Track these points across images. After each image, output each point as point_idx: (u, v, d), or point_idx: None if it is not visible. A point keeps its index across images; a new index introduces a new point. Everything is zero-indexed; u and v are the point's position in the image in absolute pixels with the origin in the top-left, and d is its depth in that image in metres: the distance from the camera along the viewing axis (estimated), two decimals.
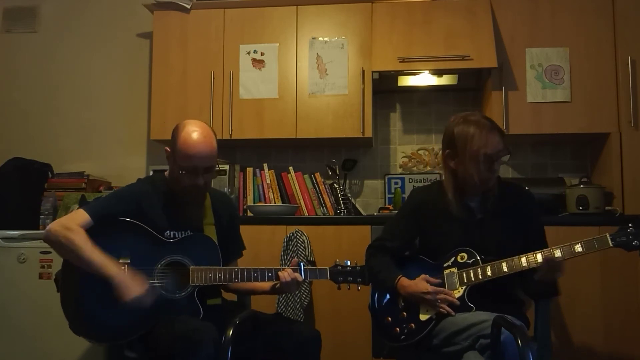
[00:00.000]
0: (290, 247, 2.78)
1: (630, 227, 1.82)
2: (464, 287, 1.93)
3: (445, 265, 2.01)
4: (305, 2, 3.18)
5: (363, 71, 3.10)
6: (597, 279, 2.64)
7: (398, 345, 1.99)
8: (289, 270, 1.95)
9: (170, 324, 1.77)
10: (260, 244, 2.84)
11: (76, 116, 3.69)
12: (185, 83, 3.22)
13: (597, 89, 2.93)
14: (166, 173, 2.04)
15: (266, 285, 2.04)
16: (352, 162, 3.38)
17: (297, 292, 2.70)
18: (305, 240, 2.79)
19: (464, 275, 1.95)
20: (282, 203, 3.26)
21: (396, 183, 3.39)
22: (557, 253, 1.85)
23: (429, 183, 2.44)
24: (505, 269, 1.90)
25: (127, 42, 3.69)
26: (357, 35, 3.14)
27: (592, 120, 2.93)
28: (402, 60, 2.96)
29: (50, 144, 3.65)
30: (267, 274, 1.96)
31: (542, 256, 1.86)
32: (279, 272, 1.95)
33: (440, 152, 3.30)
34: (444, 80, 3.19)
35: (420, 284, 1.96)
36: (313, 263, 2.76)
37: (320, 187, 3.28)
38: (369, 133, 3.08)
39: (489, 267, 1.92)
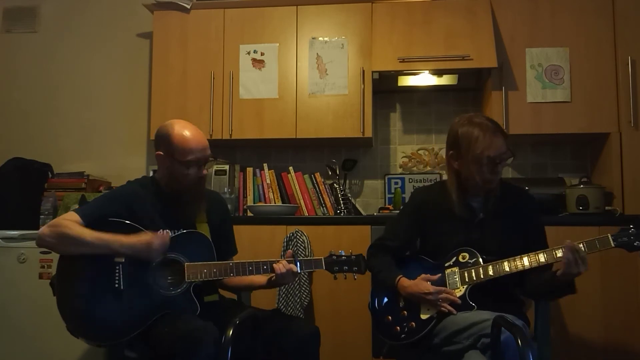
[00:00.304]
0: (290, 247, 2.78)
1: (632, 228, 1.83)
2: (465, 287, 1.94)
3: (446, 265, 2.01)
4: (305, 2, 3.18)
5: (363, 71, 3.10)
6: (597, 279, 2.64)
7: (398, 344, 1.99)
8: (284, 262, 1.97)
9: (171, 323, 1.78)
10: (260, 244, 2.84)
11: (76, 116, 3.69)
12: (185, 83, 3.22)
13: (597, 89, 2.93)
14: (157, 176, 2.05)
15: (263, 279, 2.05)
16: (352, 162, 3.38)
17: (297, 292, 2.72)
18: (305, 240, 2.79)
19: (466, 274, 1.95)
20: (282, 203, 3.26)
21: (396, 183, 3.39)
22: (559, 253, 1.85)
23: (431, 183, 2.45)
24: (506, 268, 1.90)
25: (127, 42, 3.69)
26: (357, 35, 3.14)
27: (592, 120, 2.93)
28: (402, 60, 2.97)
29: (50, 144, 3.65)
30: (263, 267, 1.97)
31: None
32: (274, 265, 1.96)
33: (441, 152, 3.38)
34: (444, 80, 3.19)
35: (421, 284, 1.96)
36: None
37: (320, 187, 3.28)
38: (369, 133, 3.08)
39: (490, 266, 1.92)
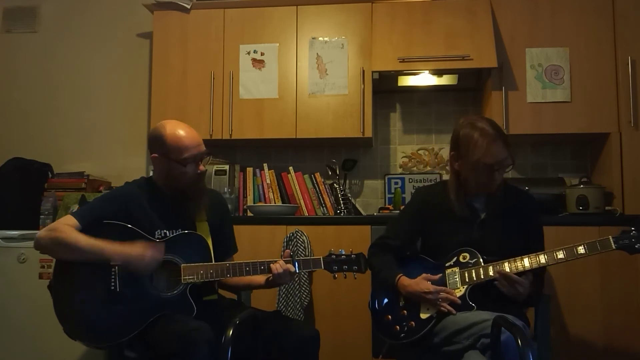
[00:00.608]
0: (290, 247, 2.78)
1: (634, 230, 1.82)
2: (465, 287, 1.94)
3: (447, 265, 2.01)
4: (305, 2, 3.18)
5: (363, 71, 3.10)
6: (597, 279, 2.64)
7: (398, 343, 1.99)
8: (281, 262, 1.96)
9: (168, 324, 1.78)
10: (260, 244, 2.84)
11: (76, 116, 3.69)
12: (185, 83, 3.22)
13: (597, 89, 2.93)
14: (154, 177, 2.05)
15: (261, 278, 2.05)
16: (352, 162, 3.38)
17: (297, 292, 2.71)
18: (305, 240, 2.79)
19: (466, 274, 1.95)
20: (282, 203, 3.26)
21: (396, 183, 3.39)
22: (560, 254, 1.86)
23: (432, 183, 2.45)
24: (507, 269, 1.90)
25: (127, 42, 3.69)
26: (357, 35, 3.14)
27: (592, 120, 2.93)
28: (402, 60, 2.96)
29: (50, 144, 3.64)
30: (260, 267, 1.97)
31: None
32: (271, 265, 1.96)
33: (441, 152, 3.38)
34: (444, 80, 3.19)
35: (422, 283, 1.96)
36: None
37: (320, 187, 3.27)
38: (369, 133, 3.08)
39: (490, 267, 1.92)
